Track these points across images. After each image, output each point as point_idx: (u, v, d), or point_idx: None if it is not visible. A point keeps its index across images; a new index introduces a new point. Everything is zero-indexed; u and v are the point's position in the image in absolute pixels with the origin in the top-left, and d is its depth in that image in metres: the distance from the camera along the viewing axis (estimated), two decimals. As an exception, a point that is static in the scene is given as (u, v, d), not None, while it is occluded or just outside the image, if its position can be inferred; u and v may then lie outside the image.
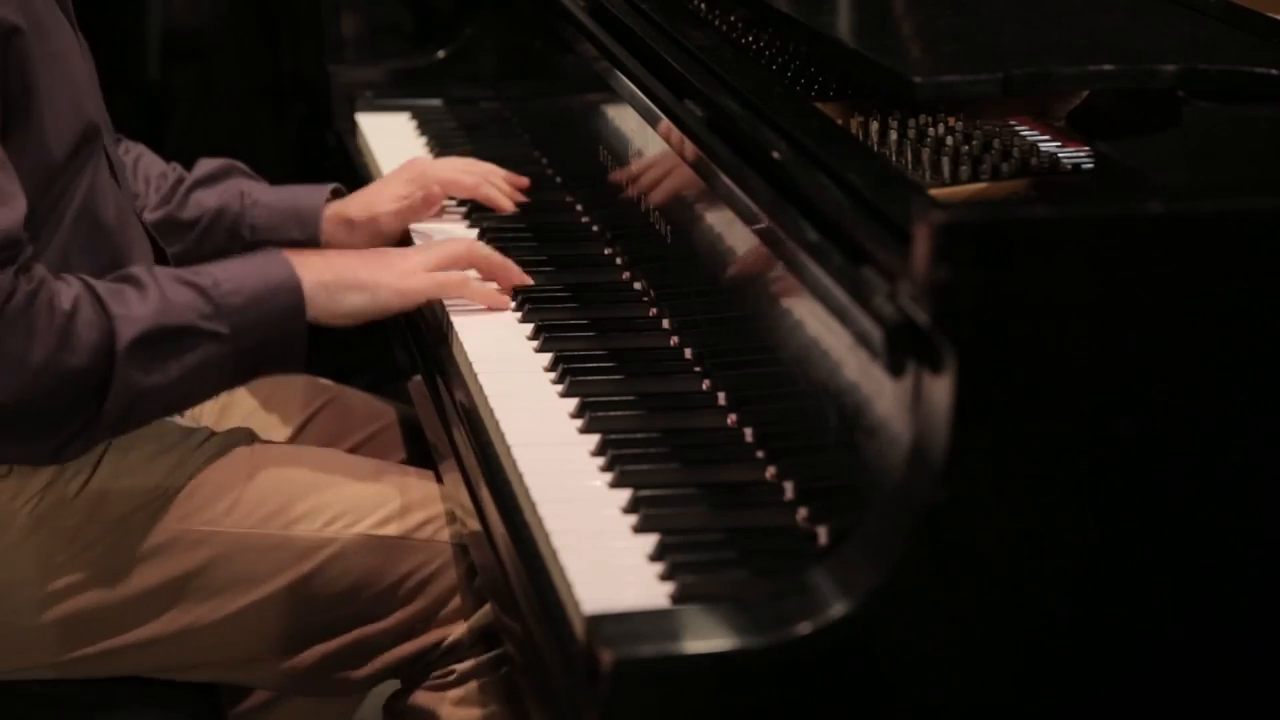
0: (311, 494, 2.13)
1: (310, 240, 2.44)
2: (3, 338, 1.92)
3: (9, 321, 1.92)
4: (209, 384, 2.07)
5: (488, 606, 2.13)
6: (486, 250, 2.28)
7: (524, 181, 2.57)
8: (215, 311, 2.03)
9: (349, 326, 2.16)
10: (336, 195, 2.50)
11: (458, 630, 2.14)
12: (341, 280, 2.12)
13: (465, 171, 2.54)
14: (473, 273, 2.26)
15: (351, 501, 2.13)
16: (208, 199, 2.45)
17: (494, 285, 2.26)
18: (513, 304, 2.24)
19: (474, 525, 1.95)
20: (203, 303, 2.03)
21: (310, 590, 2.11)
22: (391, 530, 2.13)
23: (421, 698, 2.15)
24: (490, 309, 2.23)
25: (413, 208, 2.48)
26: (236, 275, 2.07)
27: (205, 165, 2.48)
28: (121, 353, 1.96)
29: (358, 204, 2.48)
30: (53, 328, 1.94)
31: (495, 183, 2.53)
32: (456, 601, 2.14)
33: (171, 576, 2.08)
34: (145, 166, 2.46)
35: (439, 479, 2.20)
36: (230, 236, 2.45)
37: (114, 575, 2.07)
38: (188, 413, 2.27)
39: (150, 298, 2.00)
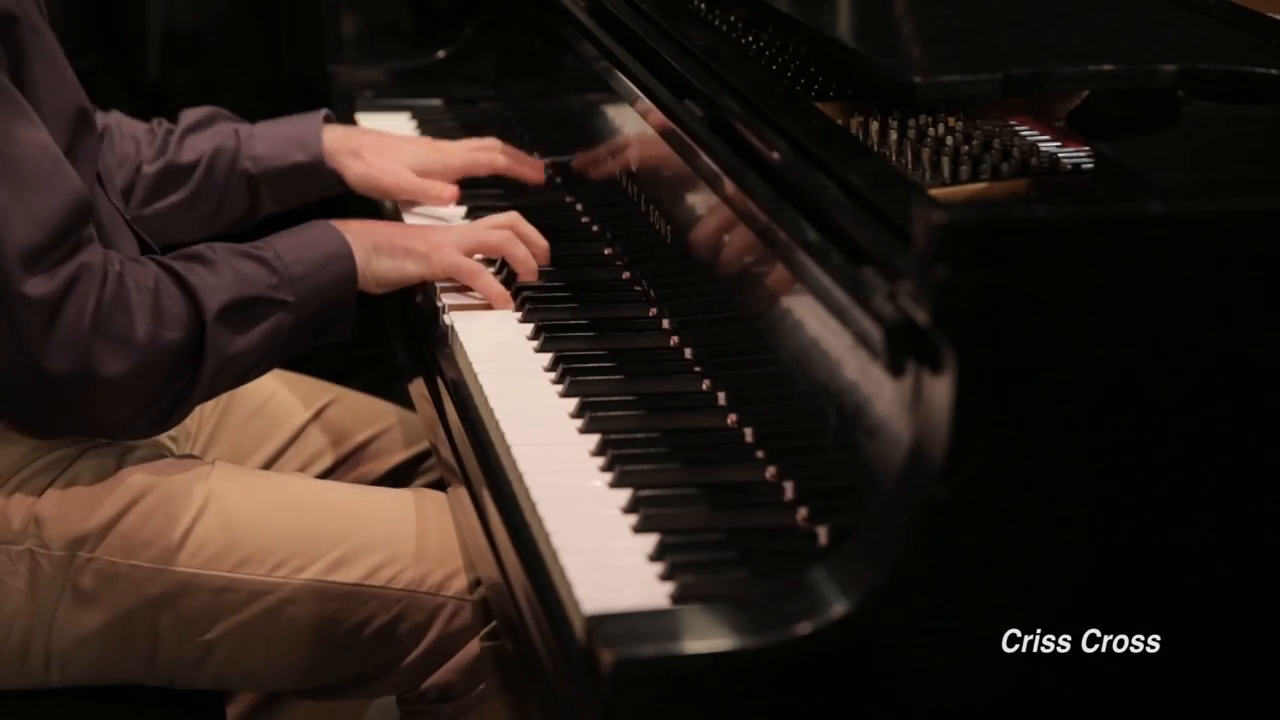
0: (260, 533, 2.07)
1: (313, 161, 2.51)
2: (109, 318, 1.95)
3: (109, 302, 1.96)
4: (277, 351, 2.12)
5: (450, 664, 2.09)
6: (521, 248, 2.30)
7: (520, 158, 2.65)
8: (281, 282, 2.10)
9: (380, 295, 2.22)
10: (328, 121, 2.56)
11: (422, 682, 2.10)
12: (378, 246, 2.19)
13: (478, 150, 2.61)
14: None
15: (300, 544, 2.07)
16: (202, 142, 2.51)
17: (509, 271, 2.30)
18: (514, 304, 2.26)
19: (474, 525, 1.95)
20: (268, 274, 2.09)
21: (262, 636, 2.06)
22: (342, 577, 2.07)
23: None
24: (491, 307, 2.24)
25: (410, 193, 2.53)
26: (295, 247, 2.13)
27: (192, 114, 2.53)
28: (211, 321, 2.02)
29: (371, 145, 2.55)
30: (145, 305, 1.99)
31: (513, 157, 2.62)
32: (417, 653, 2.09)
33: (116, 616, 2.04)
34: (130, 127, 2.49)
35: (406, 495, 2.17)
36: (230, 171, 2.51)
37: (66, 615, 2.04)
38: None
39: (222, 270, 2.06)
